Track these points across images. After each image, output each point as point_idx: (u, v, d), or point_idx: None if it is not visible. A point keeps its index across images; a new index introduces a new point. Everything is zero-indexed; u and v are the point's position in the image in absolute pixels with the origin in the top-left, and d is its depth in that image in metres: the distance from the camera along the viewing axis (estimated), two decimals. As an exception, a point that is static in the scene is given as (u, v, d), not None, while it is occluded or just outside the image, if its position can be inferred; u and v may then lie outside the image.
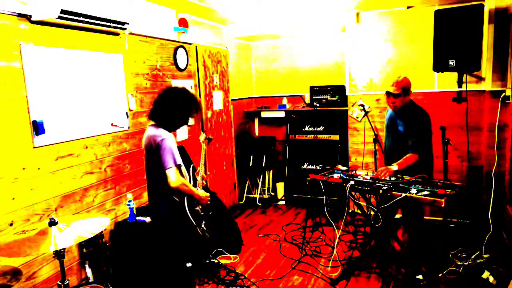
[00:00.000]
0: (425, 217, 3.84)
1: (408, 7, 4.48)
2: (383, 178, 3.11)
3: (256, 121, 6.30)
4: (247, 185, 5.89)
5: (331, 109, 5.31)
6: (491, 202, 3.99)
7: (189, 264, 3.25)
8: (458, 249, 3.68)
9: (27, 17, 2.56)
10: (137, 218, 3.31)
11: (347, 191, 3.07)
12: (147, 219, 3.27)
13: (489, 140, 4.11)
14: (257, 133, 6.33)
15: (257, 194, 5.78)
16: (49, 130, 2.71)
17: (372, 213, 3.36)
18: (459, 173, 4.37)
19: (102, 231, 2.78)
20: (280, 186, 5.77)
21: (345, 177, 3.27)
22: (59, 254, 2.07)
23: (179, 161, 2.60)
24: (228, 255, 3.92)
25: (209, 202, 2.91)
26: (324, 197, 3.41)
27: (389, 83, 3.31)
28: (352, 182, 3.08)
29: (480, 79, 4.20)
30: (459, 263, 3.42)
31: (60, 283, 2.13)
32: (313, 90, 5.46)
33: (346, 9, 4.62)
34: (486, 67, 4.05)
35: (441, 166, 3.47)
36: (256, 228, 4.75)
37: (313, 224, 4.58)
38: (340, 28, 5.25)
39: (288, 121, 5.63)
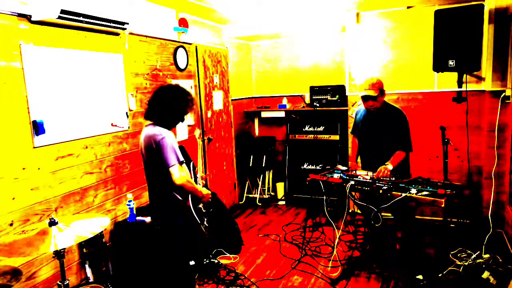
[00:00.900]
0: (417, 217, 3.84)
1: (408, 7, 4.48)
2: (384, 177, 3.14)
3: (256, 121, 6.30)
4: (247, 185, 5.89)
5: (331, 109, 5.31)
6: (491, 202, 4.00)
7: (192, 262, 3.25)
8: (458, 249, 3.68)
9: (27, 17, 2.55)
10: (137, 218, 3.31)
11: (347, 191, 3.07)
12: (147, 219, 3.27)
13: (489, 140, 4.11)
14: (257, 133, 6.33)
15: (257, 194, 5.78)
16: (49, 130, 2.71)
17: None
18: (459, 173, 4.37)
19: (102, 231, 2.78)
20: (280, 186, 5.77)
21: (345, 177, 3.27)
22: (59, 254, 2.07)
23: (182, 158, 2.59)
24: (228, 255, 3.92)
25: (210, 200, 2.92)
26: (324, 197, 3.42)
27: (364, 86, 3.35)
28: (352, 182, 3.09)
29: (480, 79, 4.20)
30: (459, 263, 3.42)
31: (60, 283, 2.14)
32: (313, 90, 5.46)
33: (346, 9, 4.62)
34: (486, 67, 4.05)
35: (441, 166, 3.47)
36: (256, 228, 4.75)
37: (313, 224, 4.58)
38: (340, 28, 5.25)
39: (288, 121, 5.63)
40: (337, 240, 3.73)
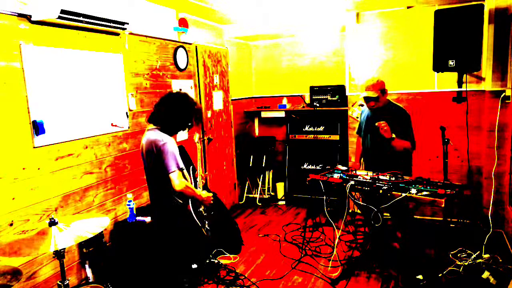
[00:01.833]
0: (417, 217, 3.84)
1: (408, 7, 4.48)
2: (384, 127, 3.23)
3: (256, 121, 6.30)
4: (247, 185, 5.89)
5: (331, 109, 5.31)
6: (491, 202, 4.00)
7: (194, 266, 3.26)
8: (458, 249, 3.68)
9: (27, 17, 2.56)
10: (137, 218, 3.31)
11: (347, 191, 3.07)
12: (147, 219, 3.27)
13: (489, 140, 4.11)
14: (257, 133, 6.33)
15: (257, 194, 5.78)
16: (49, 130, 2.71)
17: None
18: (459, 173, 4.37)
19: (102, 231, 2.78)
20: (280, 186, 5.77)
21: (345, 177, 3.27)
22: (59, 254, 2.07)
23: (182, 164, 2.61)
24: (228, 255, 3.92)
25: (212, 202, 2.92)
26: (324, 197, 3.41)
27: (365, 87, 3.39)
28: (352, 182, 3.09)
29: (480, 79, 4.20)
30: (459, 263, 3.42)
31: (60, 283, 2.13)
32: (313, 90, 5.46)
33: (346, 9, 4.62)
34: (486, 67, 4.05)
35: (441, 166, 3.47)
36: (256, 228, 4.75)
37: (313, 224, 4.57)
38: (340, 28, 5.25)
39: (288, 121, 5.63)
40: (337, 240, 3.73)
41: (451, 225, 4.10)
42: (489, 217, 3.93)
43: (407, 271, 3.32)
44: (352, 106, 4.82)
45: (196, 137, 3.35)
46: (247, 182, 5.89)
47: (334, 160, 5.18)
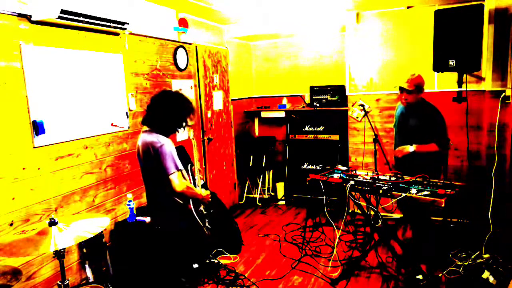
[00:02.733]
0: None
1: (408, 7, 4.48)
2: (401, 156, 3.42)
3: (256, 121, 6.30)
4: (247, 185, 5.89)
5: (331, 109, 5.31)
6: (491, 202, 3.99)
7: (195, 265, 3.26)
8: (458, 249, 3.68)
9: (27, 17, 2.56)
10: (137, 218, 3.31)
11: (347, 191, 3.07)
12: (147, 219, 3.27)
13: (489, 140, 4.10)
14: (257, 133, 6.33)
15: (257, 194, 5.78)
16: (49, 130, 2.71)
17: (372, 213, 3.37)
18: (459, 173, 4.37)
19: (102, 231, 2.77)
20: (280, 186, 5.77)
21: (345, 177, 3.27)
22: (59, 254, 2.07)
23: (180, 165, 2.59)
24: (228, 255, 3.92)
25: (210, 200, 2.92)
26: (324, 197, 3.41)
27: (401, 80, 3.46)
28: (352, 182, 3.08)
29: (480, 79, 4.20)
30: (459, 263, 3.42)
31: (60, 283, 2.13)
32: (313, 90, 5.46)
33: (346, 9, 4.62)
34: (486, 67, 4.05)
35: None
36: (256, 228, 4.75)
37: (313, 224, 4.58)
38: (340, 28, 5.25)
39: (288, 121, 5.63)
40: (337, 240, 3.73)
41: (451, 225, 4.10)
42: (489, 217, 3.93)
43: (407, 271, 3.31)
44: (352, 106, 4.81)
45: (191, 133, 3.31)
46: (247, 182, 5.89)
47: (334, 160, 5.18)
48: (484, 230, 3.87)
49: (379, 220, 3.47)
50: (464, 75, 3.90)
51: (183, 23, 4.31)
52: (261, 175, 5.77)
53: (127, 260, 3.16)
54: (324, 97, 5.39)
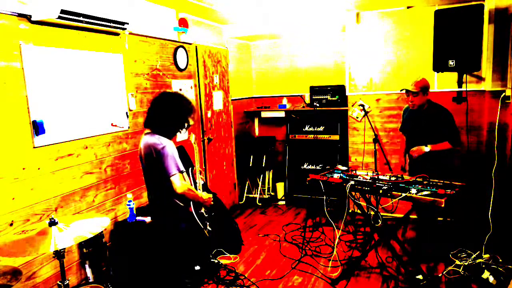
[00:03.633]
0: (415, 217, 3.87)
1: (408, 7, 4.48)
2: (417, 156, 3.50)
3: (256, 121, 6.30)
4: (247, 185, 5.89)
5: (331, 109, 5.31)
6: (491, 202, 3.99)
7: (197, 267, 3.25)
8: (458, 249, 3.68)
9: (27, 17, 2.55)
10: (137, 218, 3.31)
11: (347, 191, 3.07)
12: (147, 219, 3.27)
13: (489, 140, 4.10)
14: (257, 133, 6.33)
15: (257, 194, 5.78)
16: (49, 130, 2.71)
17: (372, 213, 3.37)
18: (459, 173, 4.36)
19: (102, 231, 2.78)
20: (280, 186, 5.77)
21: (345, 177, 3.27)
22: (59, 254, 2.07)
23: (182, 167, 2.59)
24: (228, 255, 3.92)
25: (212, 203, 2.92)
26: (324, 197, 3.41)
27: (404, 82, 3.59)
28: (352, 182, 3.08)
29: (480, 79, 4.20)
30: (459, 263, 3.42)
31: (60, 283, 2.13)
32: (313, 90, 5.46)
33: (346, 9, 4.62)
34: (486, 67, 4.05)
35: (441, 166, 3.47)
36: (256, 228, 4.75)
37: (313, 224, 4.58)
38: (340, 28, 5.25)
39: (288, 121, 5.63)
40: (337, 240, 3.73)
41: (451, 225, 4.10)
42: (489, 217, 3.93)
43: (407, 271, 3.31)
44: (352, 106, 4.82)
45: (193, 137, 3.31)
46: (247, 182, 5.89)
47: (334, 160, 5.18)
48: (484, 230, 3.87)
49: (379, 220, 3.47)
50: (464, 75, 3.90)
51: (183, 23, 4.31)
52: (261, 175, 5.77)
53: (127, 260, 3.16)
54: (324, 97, 5.39)
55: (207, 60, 4.70)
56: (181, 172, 2.58)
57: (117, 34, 3.34)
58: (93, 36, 3.10)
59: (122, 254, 3.20)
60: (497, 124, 3.96)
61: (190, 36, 4.49)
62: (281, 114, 5.75)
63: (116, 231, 3.34)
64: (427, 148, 3.47)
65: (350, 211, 4.50)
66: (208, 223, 3.01)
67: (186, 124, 2.73)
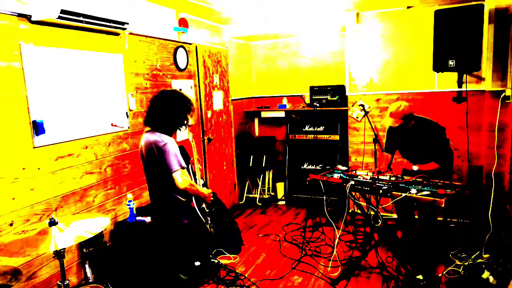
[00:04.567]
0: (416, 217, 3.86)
1: (408, 7, 4.48)
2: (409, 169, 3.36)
3: (256, 121, 6.30)
4: (247, 185, 5.89)
5: (331, 109, 5.31)
6: (491, 202, 3.99)
7: (197, 263, 3.26)
8: (458, 249, 3.68)
9: (27, 17, 2.55)
10: (137, 218, 3.31)
11: (347, 191, 3.07)
12: (147, 219, 3.27)
13: (489, 140, 4.10)
14: (257, 133, 6.33)
15: (257, 194, 5.78)
16: (49, 130, 2.71)
17: (372, 213, 3.37)
18: (459, 173, 4.37)
19: (102, 231, 2.78)
20: (280, 186, 5.77)
21: (345, 177, 3.27)
22: (59, 254, 2.07)
23: (184, 163, 2.62)
24: (228, 255, 3.92)
25: (212, 199, 2.95)
26: (324, 197, 3.42)
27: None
28: (352, 182, 3.09)
29: (480, 79, 4.20)
30: (459, 263, 3.42)
31: (60, 283, 2.13)
32: (313, 90, 5.46)
33: (346, 9, 4.62)
34: (486, 67, 4.05)
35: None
36: (256, 228, 4.75)
37: (313, 224, 4.58)
38: (340, 28, 5.25)
39: (288, 121, 5.63)
40: (337, 240, 3.73)
41: (451, 225, 4.10)
42: (489, 217, 3.93)
43: (407, 271, 3.31)
44: (352, 106, 4.82)
45: (191, 136, 3.32)
46: (247, 182, 5.89)
47: (334, 160, 5.18)
48: (484, 230, 3.87)
49: (379, 220, 3.47)
50: (464, 75, 3.90)
51: (183, 23, 4.31)
52: (261, 175, 5.77)
53: (127, 260, 3.16)
54: (324, 97, 5.39)
55: (207, 60, 4.70)
56: (183, 168, 2.61)
57: (117, 34, 3.34)
58: (93, 36, 3.10)
59: (122, 254, 3.20)
60: (497, 124, 3.96)
61: (190, 36, 4.49)
62: (281, 114, 5.75)
63: (116, 231, 3.34)
64: (415, 167, 3.32)
65: (350, 211, 4.50)
66: (209, 219, 3.04)
67: (185, 122, 2.74)
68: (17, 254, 1.95)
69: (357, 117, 4.05)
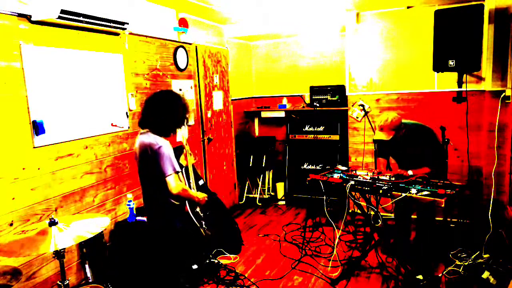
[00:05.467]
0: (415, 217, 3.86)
1: (408, 7, 4.48)
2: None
3: (256, 121, 6.30)
4: (247, 185, 5.89)
5: (331, 109, 5.31)
6: (491, 202, 3.99)
7: (195, 266, 3.25)
8: (458, 249, 3.68)
9: (27, 17, 2.56)
10: (137, 218, 3.31)
11: (347, 191, 3.07)
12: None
13: (489, 140, 4.11)
14: (257, 133, 6.33)
15: (257, 194, 5.78)
16: (49, 130, 2.71)
17: (372, 213, 3.37)
18: (459, 173, 4.37)
19: (102, 231, 2.77)
20: (280, 186, 5.77)
21: (345, 177, 3.27)
22: (59, 254, 2.08)
23: (178, 167, 2.58)
24: (228, 255, 3.92)
25: (206, 202, 2.91)
26: (324, 197, 3.42)
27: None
28: (352, 182, 3.09)
29: (480, 79, 4.20)
30: (459, 263, 3.42)
31: (60, 283, 2.14)
32: (313, 90, 5.46)
33: (346, 9, 4.62)
34: (486, 67, 4.05)
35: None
36: (256, 228, 4.75)
37: (313, 224, 4.57)
38: (340, 28, 5.25)
39: (288, 121, 5.63)
40: (337, 240, 3.73)
41: (451, 225, 4.10)
42: (489, 217, 3.93)
43: (407, 271, 3.31)
44: (352, 106, 4.82)
45: (184, 139, 3.24)
46: (247, 182, 5.89)
47: (334, 160, 5.18)
48: (484, 230, 3.87)
49: (379, 220, 3.47)
50: (464, 75, 3.90)
51: (183, 23, 4.31)
52: (261, 175, 5.77)
53: (127, 260, 3.16)
54: (324, 97, 5.39)
55: (207, 60, 4.70)
56: (177, 172, 2.57)
57: (117, 34, 3.34)
58: (93, 36, 3.10)
59: (122, 254, 3.20)
60: (497, 124, 3.96)
61: (190, 36, 4.49)
62: (281, 114, 5.75)
63: (116, 231, 3.34)
64: (410, 172, 3.28)
65: (350, 211, 4.50)
66: (204, 222, 3.02)
67: (181, 123, 2.69)
68: (17, 254, 1.95)
69: (357, 117, 4.06)
